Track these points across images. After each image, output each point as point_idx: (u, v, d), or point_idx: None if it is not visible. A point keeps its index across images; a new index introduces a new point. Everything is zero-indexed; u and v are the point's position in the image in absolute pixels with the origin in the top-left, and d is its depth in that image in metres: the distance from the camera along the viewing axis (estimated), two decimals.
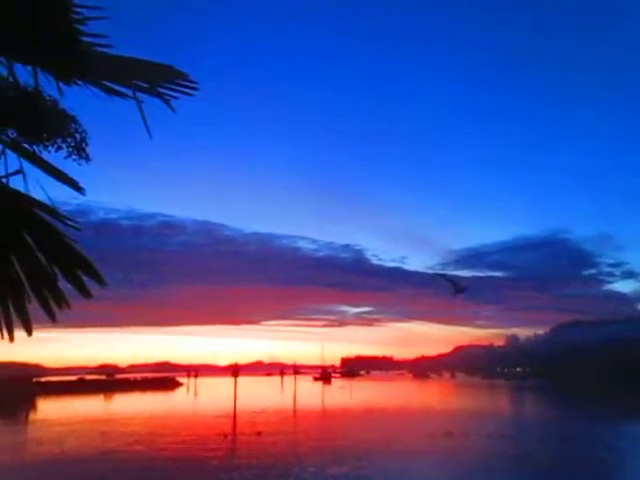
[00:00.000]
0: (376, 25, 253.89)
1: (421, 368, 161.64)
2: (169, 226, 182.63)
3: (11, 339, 1.98)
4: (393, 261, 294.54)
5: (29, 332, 2.01)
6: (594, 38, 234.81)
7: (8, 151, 2.06)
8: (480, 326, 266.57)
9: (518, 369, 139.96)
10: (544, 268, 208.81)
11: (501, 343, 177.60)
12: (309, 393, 64.42)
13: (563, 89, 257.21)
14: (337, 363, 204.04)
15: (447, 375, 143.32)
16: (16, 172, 2.07)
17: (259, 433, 23.65)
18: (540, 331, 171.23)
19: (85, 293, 2.10)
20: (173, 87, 2.26)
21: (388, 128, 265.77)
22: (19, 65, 2.02)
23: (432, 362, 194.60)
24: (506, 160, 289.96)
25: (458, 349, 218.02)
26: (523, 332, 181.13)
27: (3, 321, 1.98)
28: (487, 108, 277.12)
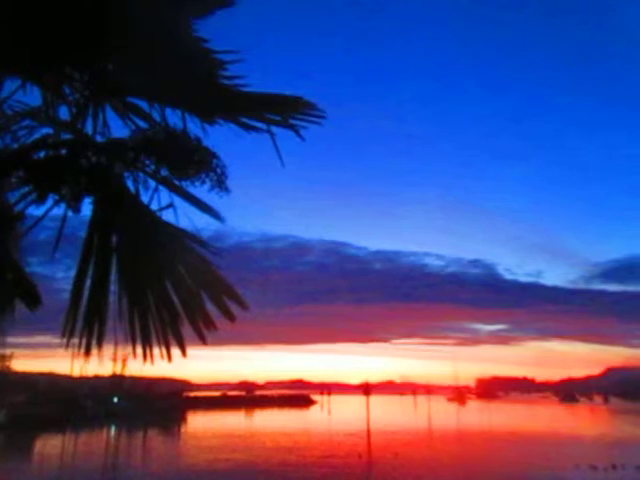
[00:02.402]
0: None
1: (568, 391, 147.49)
2: (297, 247, 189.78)
3: (169, 359, 2.17)
4: (528, 275, 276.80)
5: (184, 353, 2.18)
6: None
7: (160, 187, 2.29)
8: (635, 345, 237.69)
9: None
10: None
11: None
12: (444, 414, 62.07)
13: None
14: (471, 383, 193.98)
15: (599, 399, 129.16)
16: (168, 206, 2.29)
17: (396, 454, 23.22)
18: None
19: (230, 317, 2.24)
20: (302, 117, 2.35)
21: (520, 143, 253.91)
22: (168, 110, 2.26)
23: (580, 384, 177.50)
24: None
25: (610, 370, 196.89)
26: None
27: (162, 342, 2.17)
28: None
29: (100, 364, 2.13)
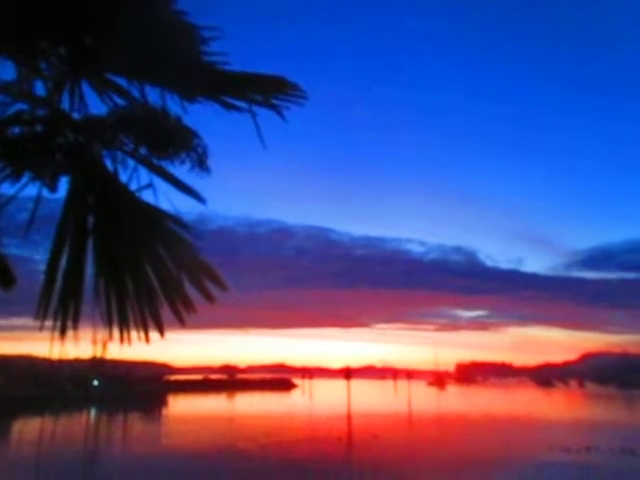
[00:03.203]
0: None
1: (544, 376, 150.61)
2: (281, 232, 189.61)
3: (147, 341, 2.15)
4: (509, 262, 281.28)
5: (162, 334, 2.16)
6: None
7: (140, 167, 2.24)
8: (612, 332, 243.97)
9: None
10: None
11: (638, 350, 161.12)
12: (424, 398, 63.03)
13: None
14: (451, 368, 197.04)
15: (574, 384, 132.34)
16: (147, 186, 2.24)
17: (376, 437, 23.54)
18: None
19: (209, 298, 2.22)
20: (285, 98, 2.32)
21: (502, 132, 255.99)
22: (148, 87, 2.20)
23: (557, 370, 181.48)
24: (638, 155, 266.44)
25: (586, 356, 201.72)
26: None
27: (140, 324, 2.15)
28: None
29: (79, 347, 2.10)
